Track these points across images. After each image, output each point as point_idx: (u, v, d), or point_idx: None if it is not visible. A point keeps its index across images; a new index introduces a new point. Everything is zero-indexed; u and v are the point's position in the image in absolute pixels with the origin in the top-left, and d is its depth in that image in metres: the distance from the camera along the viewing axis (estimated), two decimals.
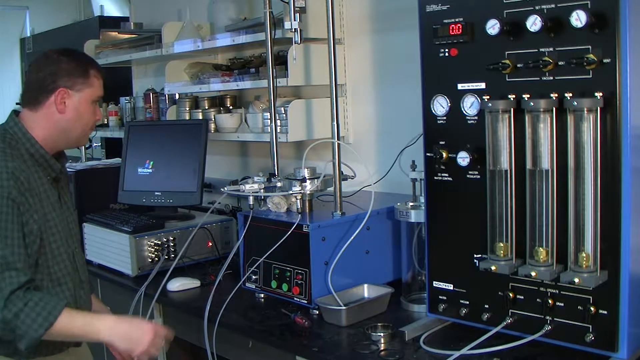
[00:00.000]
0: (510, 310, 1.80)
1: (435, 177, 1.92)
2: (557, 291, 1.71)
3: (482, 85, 1.78)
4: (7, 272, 1.67)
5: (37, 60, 1.92)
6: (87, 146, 4.55)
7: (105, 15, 5.84)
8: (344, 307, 2.07)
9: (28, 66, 1.93)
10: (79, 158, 4.28)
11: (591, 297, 1.65)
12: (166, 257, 2.73)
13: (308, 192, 2.33)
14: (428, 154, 1.92)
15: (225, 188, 2.41)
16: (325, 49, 2.37)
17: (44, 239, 1.81)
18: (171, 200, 3.00)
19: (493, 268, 1.74)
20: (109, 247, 2.82)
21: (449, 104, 1.86)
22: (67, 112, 1.88)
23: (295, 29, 2.45)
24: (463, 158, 1.84)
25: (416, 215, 2.13)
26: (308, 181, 2.33)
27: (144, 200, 3.04)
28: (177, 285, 2.53)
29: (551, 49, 1.64)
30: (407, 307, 2.19)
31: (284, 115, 2.81)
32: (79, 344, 2.01)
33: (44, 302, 1.69)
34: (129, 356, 1.85)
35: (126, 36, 3.98)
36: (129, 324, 1.82)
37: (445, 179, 1.90)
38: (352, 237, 2.20)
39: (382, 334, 1.94)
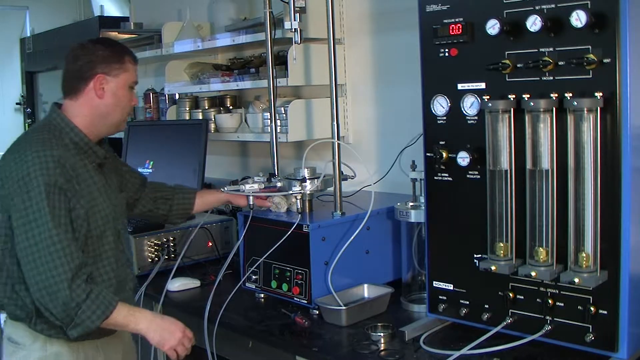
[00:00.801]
0: (510, 310, 1.80)
1: (435, 177, 1.92)
2: (557, 291, 1.71)
3: (482, 85, 1.78)
4: (63, 257, 1.76)
5: (74, 50, 1.97)
6: None
7: (105, 15, 5.82)
8: (344, 307, 2.07)
9: (65, 57, 2.01)
10: None
11: (591, 297, 1.65)
12: (166, 257, 2.73)
13: (308, 192, 2.33)
14: (428, 154, 1.92)
15: (225, 188, 2.41)
16: (325, 49, 2.37)
17: (90, 222, 1.88)
18: None
19: (493, 268, 1.74)
20: None
21: (449, 104, 1.86)
22: (105, 97, 1.94)
23: (295, 29, 2.45)
24: (463, 158, 1.84)
25: (416, 215, 2.13)
26: (308, 181, 2.33)
27: None
28: (177, 285, 2.53)
29: (551, 49, 1.64)
30: (407, 307, 2.19)
31: (284, 115, 2.81)
32: None
33: (103, 295, 1.81)
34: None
35: (126, 36, 3.97)
36: (163, 320, 1.92)
37: (445, 179, 1.90)
38: (352, 237, 2.20)
39: (382, 334, 1.94)
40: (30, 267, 1.77)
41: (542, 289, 1.74)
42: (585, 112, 1.58)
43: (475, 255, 1.85)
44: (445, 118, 1.88)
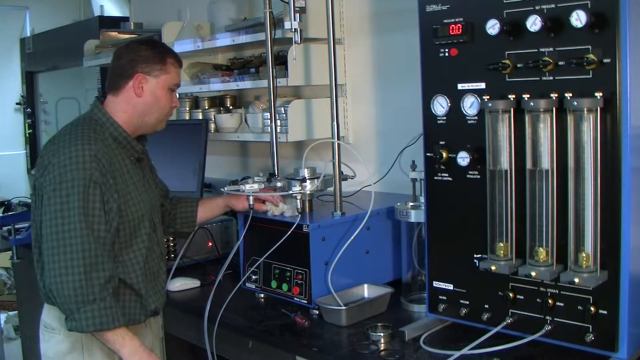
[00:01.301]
0: (510, 310, 1.80)
1: (435, 177, 1.92)
2: (557, 291, 1.71)
3: (482, 85, 1.78)
4: (81, 252, 1.80)
5: (119, 49, 2.06)
6: None
7: (105, 15, 5.83)
8: (344, 307, 2.07)
9: (114, 54, 2.10)
10: None
11: (591, 297, 1.65)
12: (166, 257, 2.73)
13: (308, 192, 2.33)
14: (428, 154, 1.92)
15: (225, 188, 2.41)
16: (325, 49, 2.37)
17: (123, 215, 1.93)
18: None
19: (493, 268, 1.74)
20: None
21: (449, 104, 1.86)
22: (144, 96, 1.99)
23: (295, 29, 2.45)
24: (463, 158, 1.84)
25: (416, 215, 2.13)
26: (308, 181, 2.33)
27: None
28: (177, 285, 2.53)
29: (551, 49, 1.64)
30: (407, 307, 2.19)
31: (284, 115, 2.81)
32: (157, 313, 2.10)
33: (111, 311, 1.83)
34: None
35: (126, 36, 3.98)
36: (148, 355, 1.90)
37: (445, 179, 1.90)
38: (352, 237, 2.20)
39: (382, 334, 1.94)
40: (48, 253, 1.83)
41: (542, 289, 1.74)
42: (585, 112, 1.58)
43: (475, 255, 1.85)
44: (445, 118, 1.88)
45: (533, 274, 1.67)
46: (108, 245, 1.87)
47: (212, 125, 3.25)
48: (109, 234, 1.88)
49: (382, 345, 1.91)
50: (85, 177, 1.83)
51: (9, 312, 4.81)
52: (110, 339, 1.85)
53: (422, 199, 2.05)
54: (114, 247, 1.92)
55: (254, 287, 2.38)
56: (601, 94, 1.56)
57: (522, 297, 1.78)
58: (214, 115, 3.25)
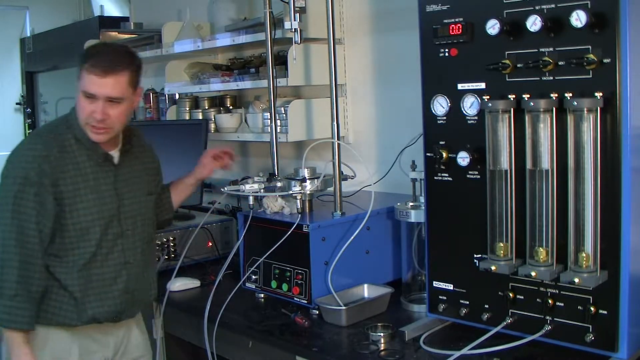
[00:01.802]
0: (510, 310, 1.80)
1: (435, 177, 1.92)
2: (557, 291, 1.71)
3: (482, 85, 1.78)
4: (14, 247, 1.85)
5: None
6: None
7: (105, 15, 5.82)
8: (344, 307, 2.07)
9: None
10: None
11: (591, 297, 1.65)
12: (166, 257, 2.73)
13: (308, 192, 2.33)
14: (428, 154, 1.92)
15: (225, 188, 2.41)
16: (325, 49, 2.37)
17: (67, 217, 1.92)
18: None
19: (493, 268, 1.74)
20: None
21: (449, 104, 1.86)
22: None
23: (295, 29, 2.45)
24: (463, 158, 1.84)
25: (416, 215, 2.13)
26: (308, 181, 2.33)
27: None
28: (177, 285, 2.53)
29: (551, 49, 1.64)
30: (407, 307, 2.19)
31: (284, 115, 2.81)
32: (97, 320, 2.04)
33: (16, 310, 1.85)
34: None
35: (126, 36, 3.97)
36: None
37: (445, 179, 1.90)
38: (352, 237, 2.20)
39: (382, 334, 1.94)
40: None
41: (542, 289, 1.74)
42: (585, 112, 1.58)
43: (475, 255, 1.85)
44: (445, 118, 1.88)
45: (533, 274, 1.67)
46: (36, 245, 1.88)
47: (212, 125, 3.25)
48: (42, 233, 1.88)
49: (382, 345, 1.91)
50: (22, 176, 1.86)
51: None
52: (11, 345, 1.87)
53: (422, 199, 2.05)
54: (53, 246, 1.92)
55: (254, 287, 2.38)
56: (601, 94, 1.56)
57: (522, 297, 1.78)
58: (214, 115, 3.25)
